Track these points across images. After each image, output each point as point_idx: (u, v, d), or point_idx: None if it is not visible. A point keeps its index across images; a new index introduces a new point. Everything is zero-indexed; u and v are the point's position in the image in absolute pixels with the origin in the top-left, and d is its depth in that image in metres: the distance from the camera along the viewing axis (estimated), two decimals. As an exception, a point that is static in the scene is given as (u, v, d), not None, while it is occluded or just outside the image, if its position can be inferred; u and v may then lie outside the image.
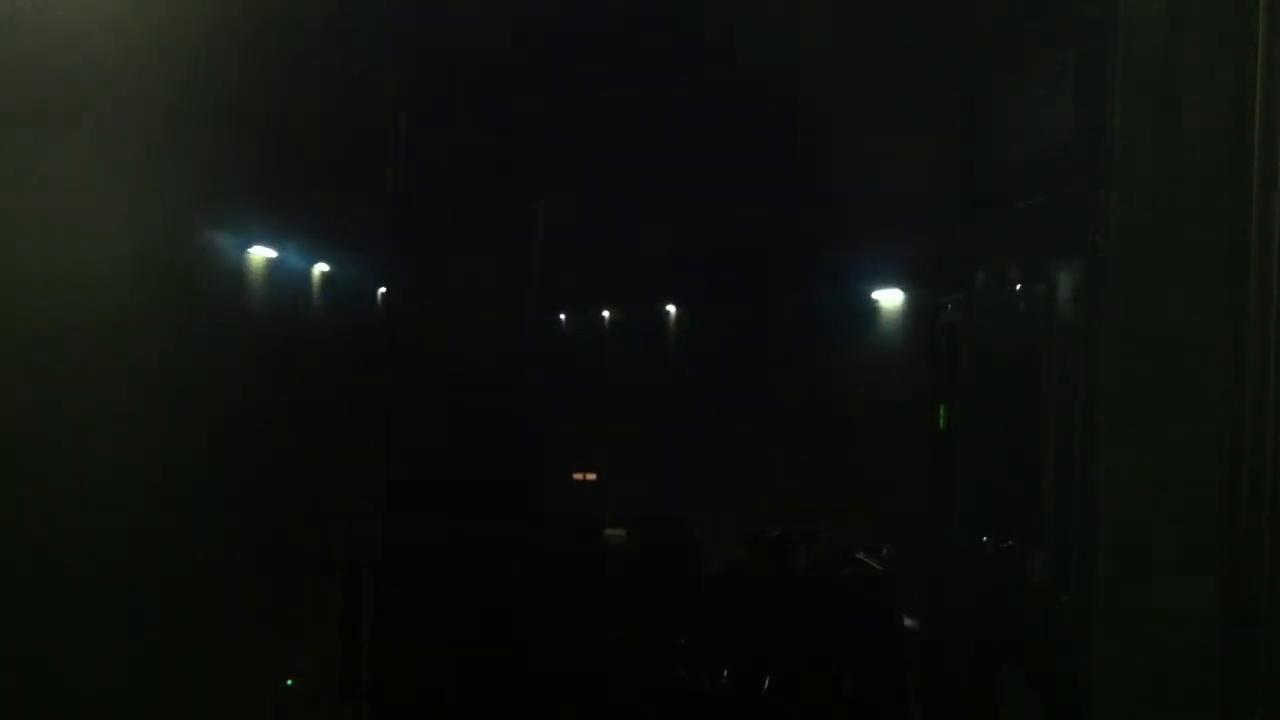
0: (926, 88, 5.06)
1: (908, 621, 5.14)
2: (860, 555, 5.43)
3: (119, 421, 3.07)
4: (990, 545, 3.98)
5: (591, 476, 5.90)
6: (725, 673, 5.12)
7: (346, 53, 4.96)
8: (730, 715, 5.11)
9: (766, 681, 5.08)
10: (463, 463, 4.65)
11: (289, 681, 4.93)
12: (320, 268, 6.28)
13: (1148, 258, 2.83)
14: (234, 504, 4.18)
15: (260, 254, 5.15)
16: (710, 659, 5.17)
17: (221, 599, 4.06)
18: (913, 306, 5.82)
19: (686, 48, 5.22)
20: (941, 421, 4.68)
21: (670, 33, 5.19)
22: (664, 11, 5.19)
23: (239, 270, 4.71)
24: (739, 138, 5.90)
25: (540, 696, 4.85)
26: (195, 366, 3.70)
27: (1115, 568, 2.85)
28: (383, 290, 4.92)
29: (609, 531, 5.85)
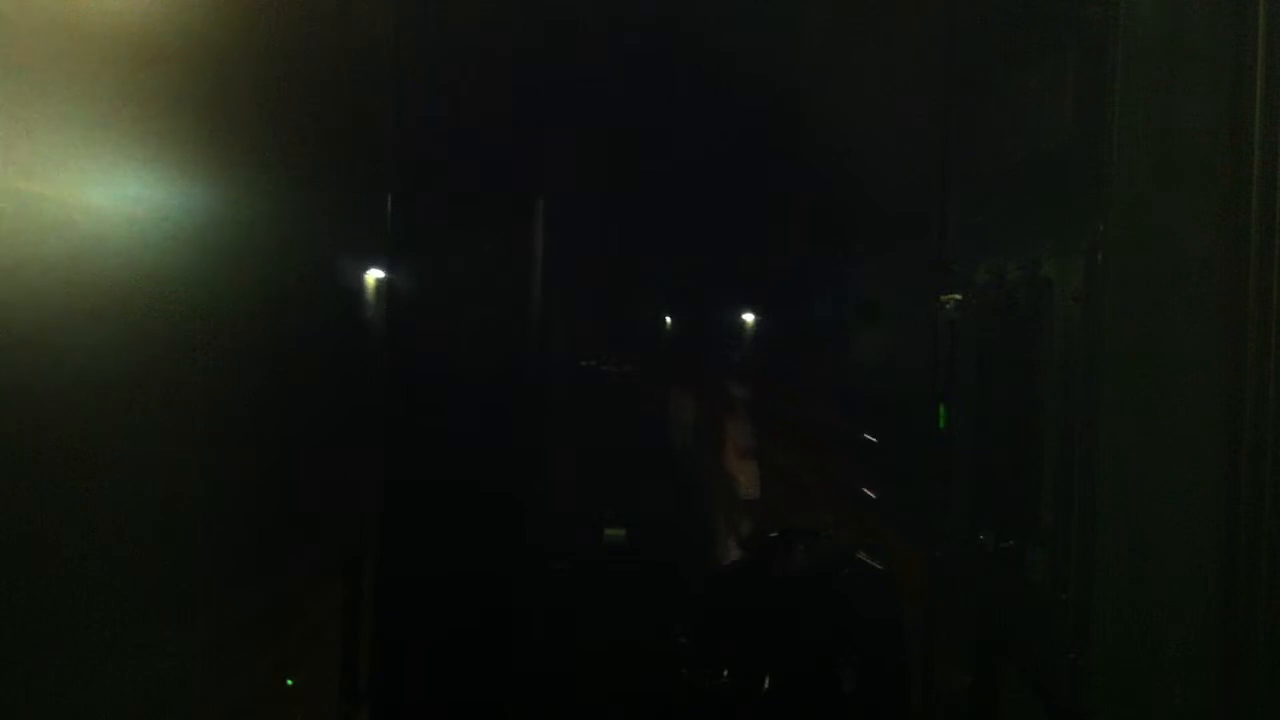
0: (926, 87, 5.05)
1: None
2: (860, 555, 5.43)
3: (116, 420, 3.07)
4: (990, 545, 3.98)
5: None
6: (725, 673, 5.12)
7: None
8: (730, 715, 5.11)
9: (766, 681, 5.08)
10: (462, 462, 4.66)
11: (289, 681, 4.93)
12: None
13: (1148, 258, 2.83)
14: (235, 504, 4.17)
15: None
16: (710, 659, 5.17)
17: (221, 597, 4.06)
18: (912, 307, 5.81)
19: (683, 45, 5.22)
20: (941, 421, 4.69)
21: (670, 30, 5.19)
22: (665, 9, 5.19)
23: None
24: (734, 137, 5.90)
25: (540, 696, 4.85)
26: (206, 366, 3.70)
27: (1115, 568, 2.85)
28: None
29: (609, 531, 5.85)
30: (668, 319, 8.16)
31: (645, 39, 5.21)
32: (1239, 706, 2.67)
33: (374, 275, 6.17)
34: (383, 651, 4.71)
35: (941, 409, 4.69)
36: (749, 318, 8.81)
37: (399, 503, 4.72)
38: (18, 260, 2.50)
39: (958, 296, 4.59)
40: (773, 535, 5.65)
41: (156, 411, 3.31)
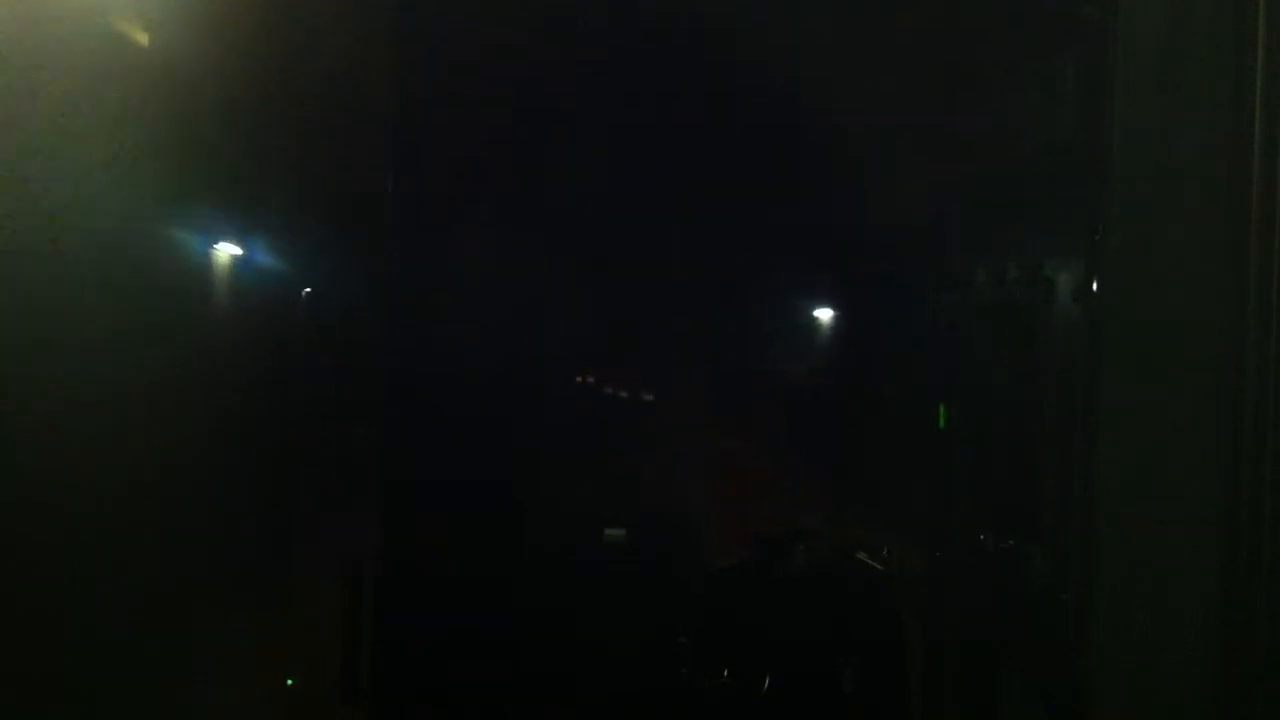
0: (927, 88, 5.05)
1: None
2: (860, 555, 5.43)
3: (117, 421, 3.07)
4: (990, 545, 3.99)
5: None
6: (725, 673, 5.13)
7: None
8: (730, 715, 5.11)
9: (766, 681, 5.08)
10: (462, 462, 4.66)
11: (289, 681, 4.92)
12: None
13: (1148, 258, 2.83)
14: (235, 504, 4.17)
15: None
16: (710, 659, 5.17)
17: (221, 598, 4.06)
18: (913, 308, 5.82)
19: (685, 44, 5.22)
20: (941, 421, 4.69)
21: (670, 30, 5.19)
22: (667, 9, 5.19)
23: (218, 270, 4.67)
24: (733, 137, 5.91)
25: (540, 696, 4.85)
26: (192, 366, 3.70)
27: (1115, 568, 2.85)
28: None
29: (609, 531, 5.85)
30: (668, 319, 8.15)
31: (646, 38, 5.22)
32: (1239, 707, 2.67)
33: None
34: (383, 651, 4.71)
35: (941, 409, 4.70)
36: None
37: (399, 503, 4.72)
38: (17, 261, 2.50)
39: (958, 296, 4.59)
40: (773, 535, 5.65)
41: (154, 411, 3.30)
